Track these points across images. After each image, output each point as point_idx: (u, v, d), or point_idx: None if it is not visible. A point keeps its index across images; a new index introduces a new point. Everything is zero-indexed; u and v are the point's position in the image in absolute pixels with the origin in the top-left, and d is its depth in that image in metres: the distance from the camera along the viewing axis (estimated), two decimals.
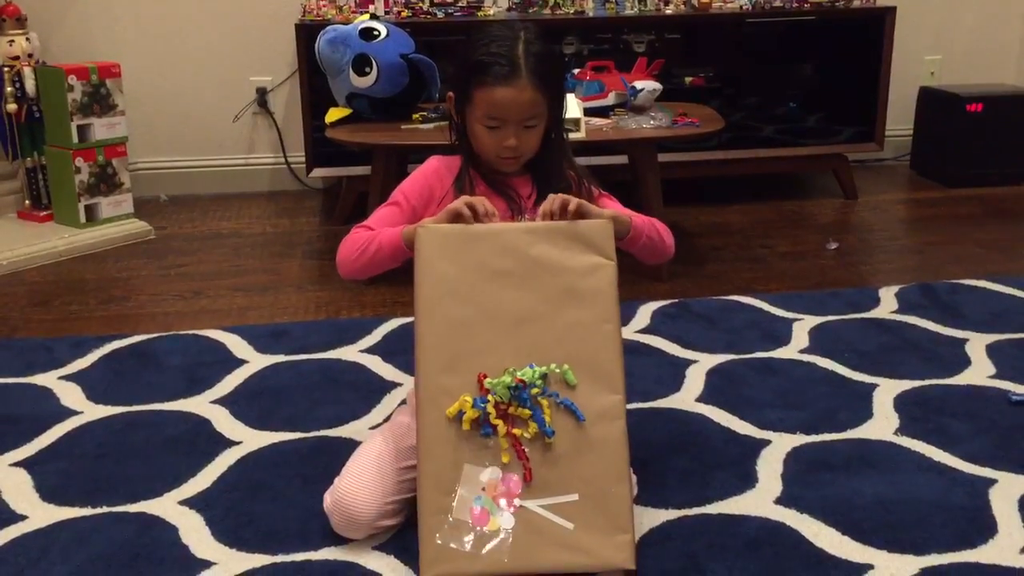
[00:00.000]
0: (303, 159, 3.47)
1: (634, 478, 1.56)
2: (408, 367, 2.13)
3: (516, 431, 1.43)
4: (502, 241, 1.47)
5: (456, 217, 1.48)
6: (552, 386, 1.44)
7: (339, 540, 1.54)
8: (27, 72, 3.18)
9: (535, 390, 1.42)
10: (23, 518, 1.64)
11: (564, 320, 1.46)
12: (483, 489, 1.42)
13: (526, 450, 1.42)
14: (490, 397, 1.42)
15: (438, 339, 1.45)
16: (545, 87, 1.56)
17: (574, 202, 1.49)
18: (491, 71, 1.53)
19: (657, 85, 2.96)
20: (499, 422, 1.41)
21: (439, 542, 1.41)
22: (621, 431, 1.44)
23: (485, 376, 1.43)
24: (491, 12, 3.51)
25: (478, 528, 1.42)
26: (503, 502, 1.42)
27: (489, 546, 1.41)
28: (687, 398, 2.05)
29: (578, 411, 1.43)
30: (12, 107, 3.18)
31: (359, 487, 1.52)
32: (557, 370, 1.43)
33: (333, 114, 2.95)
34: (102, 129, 3.22)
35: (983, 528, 1.58)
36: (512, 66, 1.53)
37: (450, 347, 1.45)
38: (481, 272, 1.46)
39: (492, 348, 1.44)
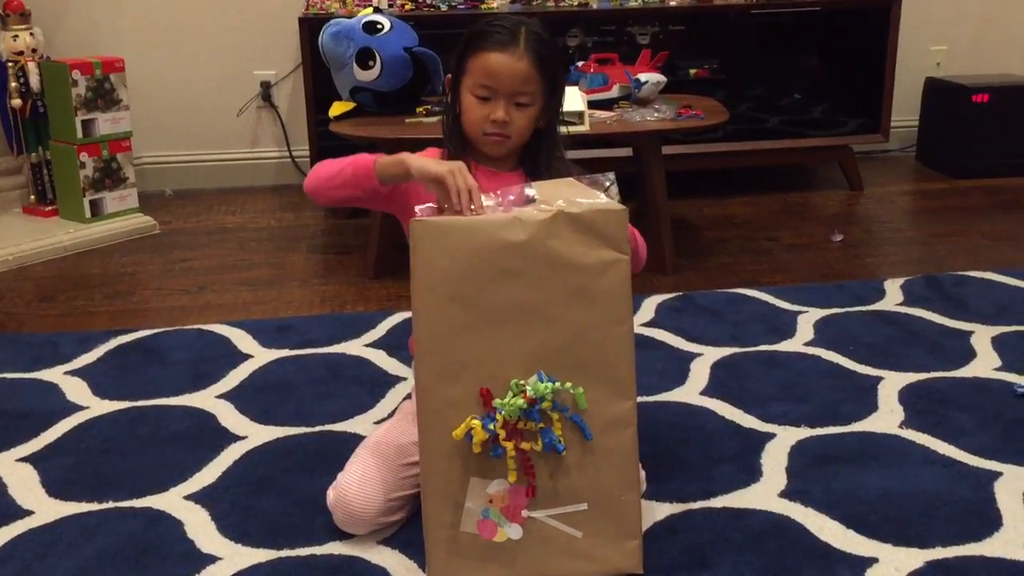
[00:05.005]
0: (307, 153, 3.48)
1: (643, 474, 1.56)
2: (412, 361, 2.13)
3: (525, 445, 1.37)
4: (507, 235, 1.35)
5: (439, 183, 1.40)
6: (562, 400, 1.37)
7: (344, 535, 1.55)
8: (31, 67, 3.18)
9: (546, 404, 1.36)
10: (29, 513, 1.64)
11: (574, 323, 1.37)
12: (490, 501, 1.39)
13: (534, 464, 1.38)
14: (498, 416, 1.35)
15: (438, 346, 1.36)
16: (542, 68, 1.54)
17: None
18: (490, 37, 1.53)
19: (661, 77, 2.95)
20: (508, 444, 1.35)
21: (446, 554, 1.39)
22: (631, 439, 1.41)
23: (492, 396, 1.35)
24: (495, 5, 3.50)
25: (486, 540, 1.40)
26: (511, 513, 1.39)
27: (497, 556, 1.40)
28: (691, 391, 2.05)
29: (587, 429, 1.39)
30: (17, 102, 3.18)
31: (361, 483, 1.51)
32: (571, 390, 1.37)
33: (337, 108, 2.94)
34: (106, 124, 3.22)
35: (988, 521, 1.58)
36: (512, 36, 1.53)
37: (452, 355, 1.36)
38: (484, 272, 1.35)
39: (497, 355, 1.36)
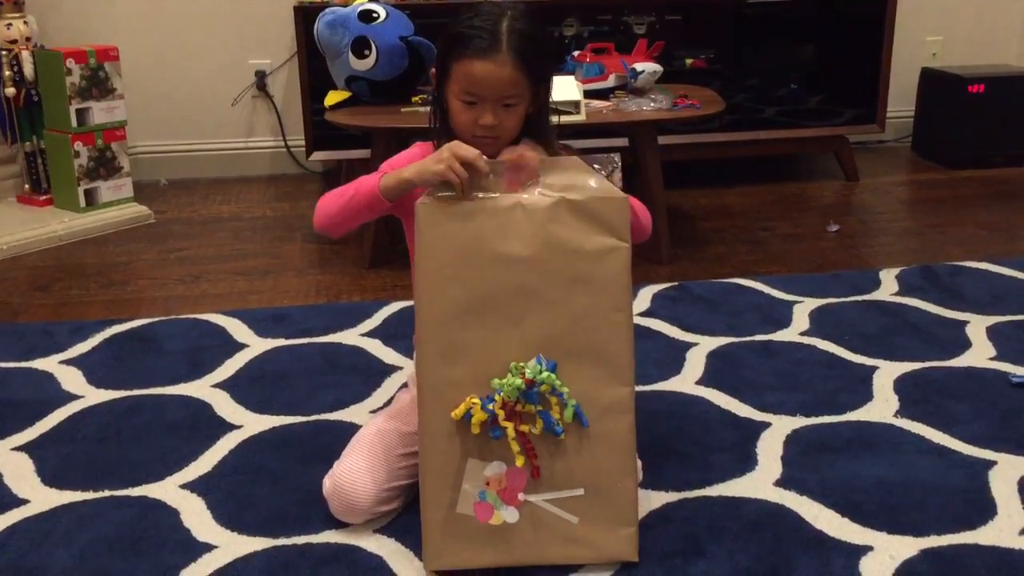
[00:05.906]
0: (303, 142, 3.46)
1: (639, 463, 1.56)
2: (409, 351, 2.13)
3: (524, 427, 1.38)
4: (510, 220, 1.38)
5: (443, 180, 1.41)
6: (560, 386, 1.38)
7: (340, 523, 1.55)
8: (25, 56, 3.17)
9: (544, 387, 1.37)
10: (25, 502, 1.64)
11: (573, 308, 1.39)
12: (487, 483, 1.40)
13: (534, 447, 1.39)
14: (497, 397, 1.36)
15: (439, 328, 1.38)
16: (527, 66, 1.49)
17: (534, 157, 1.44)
18: (471, 44, 1.48)
19: (657, 67, 2.95)
20: (508, 424, 1.37)
21: (442, 535, 1.40)
22: (629, 425, 1.42)
23: (475, 399, 1.37)
24: None
25: (482, 522, 1.40)
26: (508, 497, 1.40)
27: (492, 539, 1.40)
28: (687, 381, 2.06)
29: (583, 417, 1.40)
30: (10, 91, 3.17)
31: (358, 473, 1.51)
32: (568, 400, 1.39)
33: (332, 97, 2.94)
34: (101, 113, 3.21)
35: (982, 509, 1.58)
36: (493, 40, 1.47)
37: (452, 336, 1.38)
38: (486, 255, 1.38)
39: (496, 338, 1.38)
